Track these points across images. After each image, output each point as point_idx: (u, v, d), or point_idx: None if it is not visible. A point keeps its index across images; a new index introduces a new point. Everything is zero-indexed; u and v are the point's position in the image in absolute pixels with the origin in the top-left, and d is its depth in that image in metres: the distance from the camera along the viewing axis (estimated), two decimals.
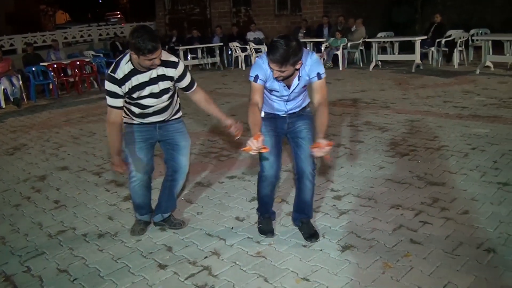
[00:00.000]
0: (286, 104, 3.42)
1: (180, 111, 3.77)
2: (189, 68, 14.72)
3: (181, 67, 3.44)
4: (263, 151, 2.97)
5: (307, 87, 3.39)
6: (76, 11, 35.80)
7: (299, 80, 3.26)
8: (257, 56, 3.27)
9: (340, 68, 12.69)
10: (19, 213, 4.51)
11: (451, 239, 3.37)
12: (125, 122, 3.61)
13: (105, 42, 19.51)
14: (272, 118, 3.46)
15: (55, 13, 43.33)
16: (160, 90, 3.40)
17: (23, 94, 11.16)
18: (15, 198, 4.92)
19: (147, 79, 3.33)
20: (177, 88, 3.60)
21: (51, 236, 3.94)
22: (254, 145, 2.88)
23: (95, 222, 4.14)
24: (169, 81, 3.41)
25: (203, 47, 15.12)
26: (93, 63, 13.30)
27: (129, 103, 3.44)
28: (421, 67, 11.78)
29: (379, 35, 14.05)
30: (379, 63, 12.65)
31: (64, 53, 14.52)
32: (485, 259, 3.09)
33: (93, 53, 15.40)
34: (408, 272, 3.00)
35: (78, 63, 12.52)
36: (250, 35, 15.29)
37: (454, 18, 16.55)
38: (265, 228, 3.69)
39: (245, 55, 14.30)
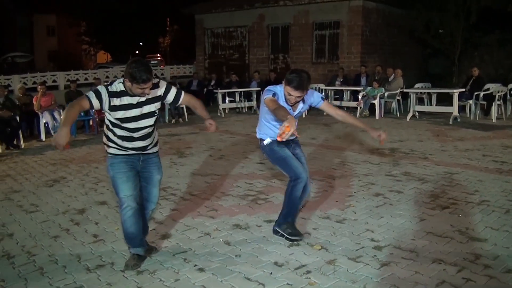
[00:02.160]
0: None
1: (158, 145, 4.11)
2: (226, 111, 14.93)
3: (163, 84, 3.85)
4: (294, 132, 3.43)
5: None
6: (118, 52, 37.10)
7: (303, 103, 4.10)
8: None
9: (377, 117, 12.69)
10: (57, 244, 4.56)
11: None
12: (111, 153, 3.89)
13: None
14: (279, 142, 4.00)
15: (97, 53, 45.04)
16: (143, 114, 3.75)
17: None
18: (54, 229, 4.98)
19: (134, 102, 3.69)
20: (157, 120, 3.94)
21: (90, 270, 3.95)
22: (291, 127, 3.33)
23: None
24: (156, 104, 3.79)
25: (240, 91, 15.37)
26: None
27: (117, 126, 3.76)
28: (459, 120, 11.68)
29: (416, 85, 14.08)
30: (416, 113, 12.60)
31: None
32: None
33: None
34: None
35: None
36: None
37: (491, 72, 16.51)
38: (295, 231, 4.34)
39: None
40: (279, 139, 3.37)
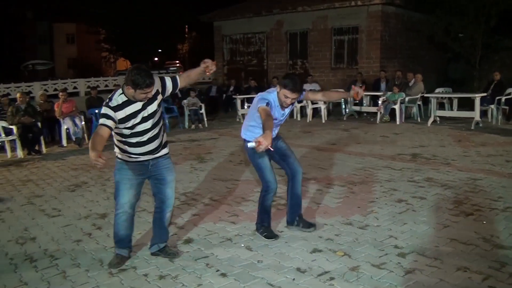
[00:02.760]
0: (275, 129, 4.43)
1: (167, 147, 4.21)
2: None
3: (157, 79, 3.90)
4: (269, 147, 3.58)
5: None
6: (137, 59, 37.37)
7: (292, 104, 4.36)
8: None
9: (398, 122, 12.56)
10: (80, 248, 4.60)
11: None
12: (121, 159, 4.01)
13: None
14: None
15: (117, 60, 45.50)
16: (149, 114, 3.85)
17: (85, 134, 11.58)
18: (76, 233, 5.03)
19: (139, 107, 3.80)
20: (162, 118, 4.07)
21: (112, 274, 3.97)
22: (265, 143, 3.48)
23: (156, 263, 4.15)
24: (157, 100, 3.89)
25: None
26: None
27: (124, 135, 3.84)
28: (480, 125, 11.51)
29: (437, 90, 13.94)
30: (438, 118, 12.46)
31: None
32: None
33: None
34: None
35: None
36: (306, 87, 15.38)
37: None
38: (271, 234, 4.59)
39: (300, 106, 14.40)
40: (257, 150, 3.56)
